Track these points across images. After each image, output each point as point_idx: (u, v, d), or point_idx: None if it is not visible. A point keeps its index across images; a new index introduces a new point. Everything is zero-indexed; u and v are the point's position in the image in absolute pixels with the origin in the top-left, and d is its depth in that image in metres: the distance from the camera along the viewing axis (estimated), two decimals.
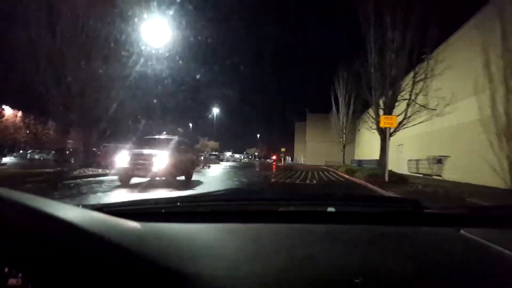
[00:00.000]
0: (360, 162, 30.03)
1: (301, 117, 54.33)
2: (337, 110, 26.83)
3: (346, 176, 14.93)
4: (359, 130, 26.41)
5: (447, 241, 0.70)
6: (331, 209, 0.86)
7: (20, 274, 0.42)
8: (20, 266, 0.42)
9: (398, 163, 18.15)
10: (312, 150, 45.56)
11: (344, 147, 26.88)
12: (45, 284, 0.41)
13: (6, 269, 0.42)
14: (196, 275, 0.44)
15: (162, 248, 0.51)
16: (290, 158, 61.46)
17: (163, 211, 0.84)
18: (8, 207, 0.42)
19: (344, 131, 26.47)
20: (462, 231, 0.73)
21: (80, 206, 0.68)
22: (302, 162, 50.58)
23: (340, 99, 25.97)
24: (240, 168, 23.51)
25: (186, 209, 0.88)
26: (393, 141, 11.58)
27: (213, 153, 54.40)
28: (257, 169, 22.23)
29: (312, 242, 0.64)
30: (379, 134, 11.89)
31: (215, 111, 44.39)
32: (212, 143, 36.94)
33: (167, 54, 14.45)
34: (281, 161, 51.07)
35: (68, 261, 0.41)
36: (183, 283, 0.42)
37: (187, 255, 0.50)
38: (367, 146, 28.83)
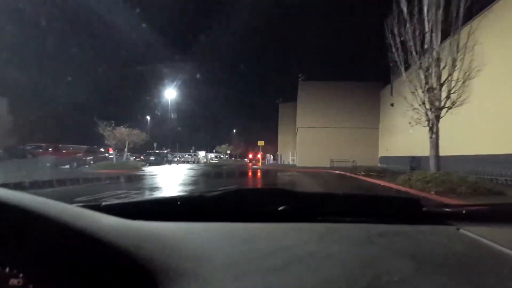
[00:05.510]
0: (414, 161, 14.22)
1: (287, 97, 36.50)
2: (405, 13, 8.50)
3: None
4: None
5: (446, 240, 0.70)
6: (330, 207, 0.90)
7: (21, 275, 0.43)
8: (20, 267, 0.43)
9: None
10: (307, 142, 24.99)
11: (438, 118, 7.72)
12: (45, 284, 0.43)
13: (7, 269, 0.43)
14: (194, 274, 0.45)
15: (160, 247, 0.51)
16: (272, 157, 43.17)
17: (161, 210, 0.88)
18: (5, 206, 0.43)
19: (440, 66, 7.70)
20: (461, 230, 0.74)
21: (76, 205, 0.65)
22: (291, 162, 32.74)
23: None
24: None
25: (184, 208, 0.89)
26: None
27: (161, 151, 35.56)
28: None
29: (310, 241, 0.64)
30: None
31: (170, 95, 31.55)
32: (126, 131, 18.37)
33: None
34: (259, 162, 33.77)
35: (66, 261, 0.43)
36: (182, 282, 0.43)
37: (186, 254, 0.51)
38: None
